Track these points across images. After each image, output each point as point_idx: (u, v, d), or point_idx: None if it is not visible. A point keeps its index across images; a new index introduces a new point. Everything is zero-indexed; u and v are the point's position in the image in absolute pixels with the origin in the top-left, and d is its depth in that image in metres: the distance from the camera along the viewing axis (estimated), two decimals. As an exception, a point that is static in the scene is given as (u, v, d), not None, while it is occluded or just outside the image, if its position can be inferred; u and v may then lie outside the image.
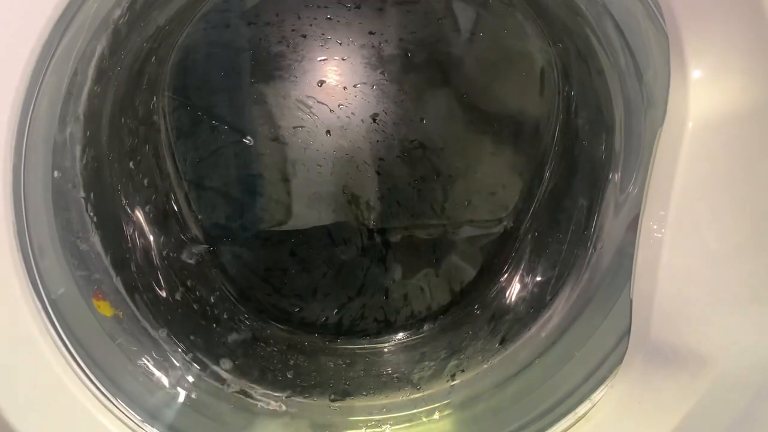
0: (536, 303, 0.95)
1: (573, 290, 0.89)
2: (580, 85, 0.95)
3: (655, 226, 0.64)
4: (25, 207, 0.63)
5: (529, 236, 1.05)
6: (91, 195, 0.77)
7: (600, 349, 0.78)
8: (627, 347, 0.69)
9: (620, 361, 0.70)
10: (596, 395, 0.73)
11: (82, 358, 0.66)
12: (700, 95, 0.60)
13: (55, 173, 0.70)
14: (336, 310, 1.10)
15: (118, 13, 0.70)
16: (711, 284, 0.64)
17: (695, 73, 0.60)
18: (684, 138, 0.61)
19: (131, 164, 0.92)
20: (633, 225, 0.73)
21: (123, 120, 0.89)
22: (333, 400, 0.92)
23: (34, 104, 0.61)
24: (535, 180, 1.08)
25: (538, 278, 0.99)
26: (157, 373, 0.80)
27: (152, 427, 0.71)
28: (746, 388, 0.65)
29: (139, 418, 0.70)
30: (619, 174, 0.82)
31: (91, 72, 0.72)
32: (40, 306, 0.63)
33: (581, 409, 0.74)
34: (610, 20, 0.73)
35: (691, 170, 0.61)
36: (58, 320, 0.65)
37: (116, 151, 0.87)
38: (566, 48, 0.95)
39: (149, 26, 0.83)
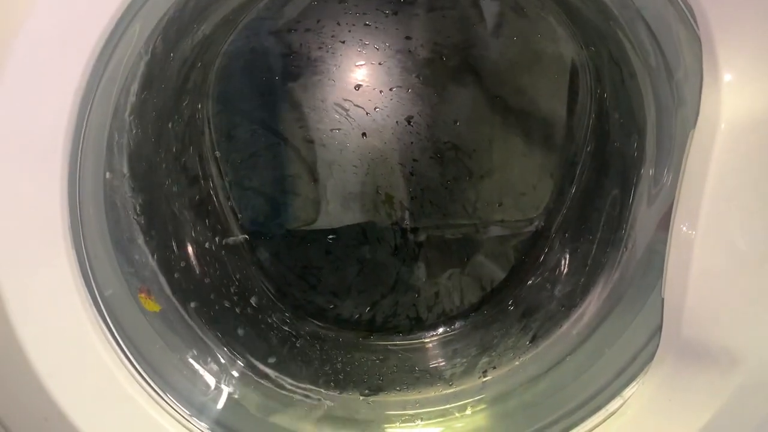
0: (567, 301, 0.95)
1: (604, 288, 0.89)
2: (612, 87, 0.96)
3: (687, 227, 0.64)
4: (80, 209, 0.66)
5: (560, 236, 1.06)
6: (139, 195, 0.80)
7: (631, 346, 0.79)
8: (658, 345, 0.70)
9: (651, 358, 0.71)
10: (627, 392, 0.74)
11: (132, 355, 0.68)
12: (732, 98, 0.61)
13: (107, 174, 0.73)
14: (369, 307, 1.12)
15: (168, 20, 0.72)
16: (742, 284, 0.64)
17: (727, 77, 0.61)
18: (716, 140, 0.62)
19: (177, 165, 0.95)
20: (664, 224, 0.73)
21: (170, 123, 0.91)
22: (368, 395, 0.93)
23: (90, 107, 0.64)
24: (566, 180, 1.08)
25: (569, 277, 0.99)
26: (202, 369, 0.82)
27: (200, 421, 0.72)
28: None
29: (187, 412, 0.72)
30: (652, 171, 0.83)
31: (140, 77, 0.74)
32: (93, 304, 0.65)
33: (612, 406, 0.74)
34: (642, 24, 0.74)
35: (722, 171, 0.62)
36: (110, 317, 0.67)
37: (163, 152, 0.89)
38: (599, 52, 0.96)
39: (197, 34, 0.85)
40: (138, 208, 0.79)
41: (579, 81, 1.06)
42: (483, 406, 0.91)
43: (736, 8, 0.60)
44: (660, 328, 0.69)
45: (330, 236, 1.13)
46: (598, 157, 1.02)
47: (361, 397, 0.93)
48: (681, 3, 0.64)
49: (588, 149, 1.05)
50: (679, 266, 0.65)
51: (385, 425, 0.91)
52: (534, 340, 0.95)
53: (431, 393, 0.95)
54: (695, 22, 0.62)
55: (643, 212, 0.84)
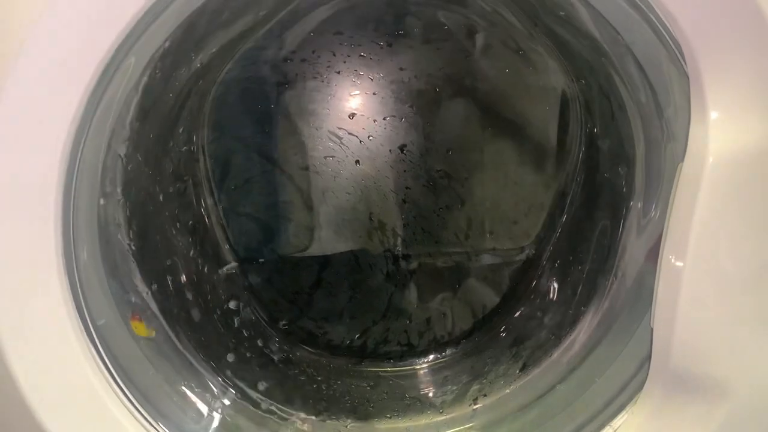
0: (557, 329, 0.96)
1: (594, 317, 0.90)
2: (602, 119, 0.97)
3: (675, 257, 0.65)
4: (73, 235, 0.66)
5: (551, 264, 1.07)
6: (133, 221, 0.80)
7: (620, 375, 0.79)
8: (647, 374, 0.70)
9: (640, 388, 0.72)
10: (616, 422, 0.74)
11: (124, 383, 0.68)
12: (719, 133, 0.62)
13: (101, 201, 0.73)
14: (360, 334, 1.12)
15: (164, 50, 0.73)
16: (730, 313, 0.65)
17: (714, 114, 0.62)
18: (704, 173, 0.63)
19: (171, 192, 0.95)
20: (653, 255, 0.74)
21: (165, 150, 0.92)
22: (357, 422, 0.93)
23: (86, 133, 0.64)
24: (556, 210, 1.09)
25: (560, 305, 1.00)
26: (194, 396, 0.81)
27: (190, 449, 0.72)
28: (767, 416, 0.67)
29: (177, 440, 0.72)
30: (640, 204, 0.84)
31: (135, 105, 0.75)
32: (84, 331, 0.65)
33: (602, 436, 0.75)
34: (632, 60, 0.75)
35: (710, 204, 0.63)
36: (101, 345, 0.67)
37: (157, 179, 0.90)
38: (589, 84, 0.97)
39: (194, 63, 0.86)
40: (131, 234, 0.79)
41: (569, 113, 1.07)
42: (473, 434, 0.91)
43: (723, 47, 0.61)
44: (649, 357, 0.69)
45: (322, 262, 1.13)
46: (588, 187, 1.03)
47: (351, 424, 0.93)
48: (670, 40, 0.65)
49: (578, 179, 1.06)
50: (668, 296, 0.66)
51: (376, 453, 0.91)
52: (524, 368, 0.95)
53: (422, 420, 0.94)
54: (683, 59, 0.64)
55: (632, 243, 0.85)
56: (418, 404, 0.98)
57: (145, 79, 0.73)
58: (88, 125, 0.64)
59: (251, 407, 0.88)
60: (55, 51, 0.59)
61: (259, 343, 1.03)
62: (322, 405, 0.94)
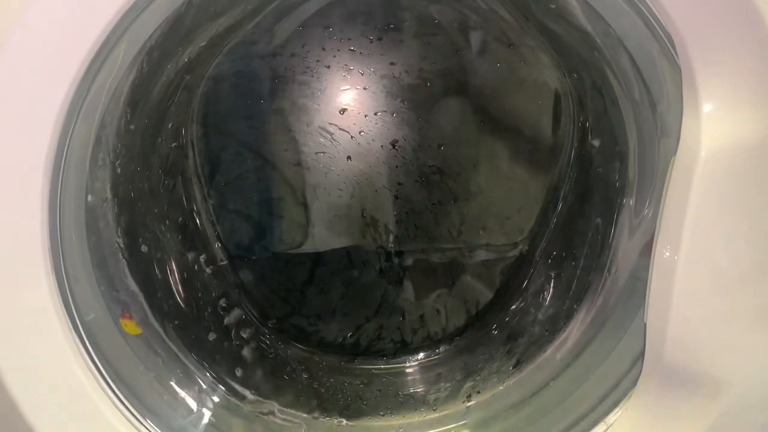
0: (551, 325, 0.95)
1: (588, 313, 0.90)
2: (595, 114, 0.97)
3: (669, 252, 0.65)
4: (60, 232, 0.65)
5: (544, 260, 1.06)
6: (121, 218, 0.79)
7: (614, 371, 0.79)
8: (641, 370, 0.70)
9: (634, 383, 0.71)
10: (610, 418, 0.74)
11: (112, 379, 0.68)
12: (712, 127, 0.62)
13: (89, 197, 0.72)
14: (353, 331, 1.12)
15: (152, 44, 0.73)
16: (724, 307, 0.65)
17: (707, 106, 0.62)
18: (696, 166, 0.63)
19: (160, 188, 0.95)
20: (646, 250, 0.74)
21: (153, 146, 0.91)
22: (350, 420, 0.92)
23: (73, 129, 0.64)
24: (550, 205, 1.09)
25: (553, 301, 0.99)
26: (183, 393, 0.81)
27: (179, 447, 0.72)
28: (761, 411, 0.66)
29: (166, 437, 0.71)
30: (633, 199, 0.84)
31: (123, 100, 0.74)
32: (72, 328, 0.65)
33: (596, 432, 0.75)
34: (624, 54, 0.75)
35: (703, 197, 0.63)
36: (89, 341, 0.67)
37: (146, 175, 0.89)
38: (581, 79, 0.97)
39: (182, 57, 0.85)
40: (119, 230, 0.79)
41: (562, 107, 1.07)
42: (467, 432, 0.90)
43: (715, 38, 0.61)
44: (643, 353, 0.69)
45: (314, 259, 1.13)
46: (582, 182, 1.02)
47: (344, 422, 0.92)
48: (661, 32, 0.65)
49: (571, 174, 1.05)
50: (662, 291, 0.66)
51: (369, 451, 0.90)
52: (518, 364, 0.95)
53: (415, 418, 0.94)
54: (675, 52, 0.63)
55: (625, 239, 0.85)
56: (412, 402, 0.98)
57: (132, 72, 0.73)
58: (75, 118, 0.63)
59: (241, 404, 0.88)
60: (43, 37, 0.58)
61: (251, 340, 1.03)
62: (314, 403, 0.94)
